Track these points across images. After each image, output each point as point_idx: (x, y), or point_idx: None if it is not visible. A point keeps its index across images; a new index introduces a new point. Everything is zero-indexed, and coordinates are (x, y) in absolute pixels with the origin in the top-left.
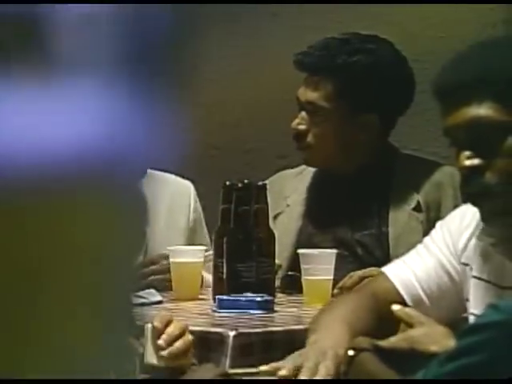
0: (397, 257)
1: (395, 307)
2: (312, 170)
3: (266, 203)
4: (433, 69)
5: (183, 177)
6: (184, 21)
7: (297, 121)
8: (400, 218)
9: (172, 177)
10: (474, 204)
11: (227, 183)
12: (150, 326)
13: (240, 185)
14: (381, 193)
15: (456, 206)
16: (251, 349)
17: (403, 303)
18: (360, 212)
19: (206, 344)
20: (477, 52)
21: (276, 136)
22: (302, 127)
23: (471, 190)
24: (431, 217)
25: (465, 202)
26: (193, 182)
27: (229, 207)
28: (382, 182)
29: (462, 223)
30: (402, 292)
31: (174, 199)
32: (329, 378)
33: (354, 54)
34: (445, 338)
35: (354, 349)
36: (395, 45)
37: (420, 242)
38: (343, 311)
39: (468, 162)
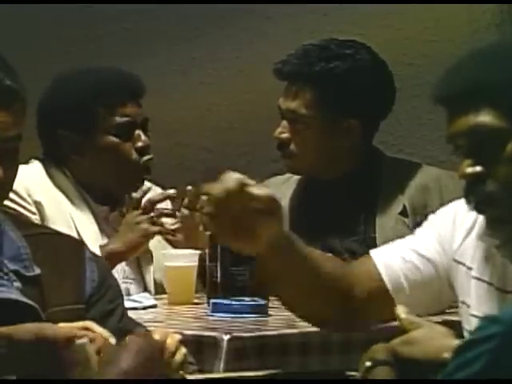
0: None
1: (400, 312)
2: (299, 177)
3: None
4: (427, 72)
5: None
6: (177, 23)
7: (279, 130)
8: (387, 223)
9: (147, 183)
10: (479, 211)
11: None
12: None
13: None
14: (367, 198)
15: None
16: (245, 353)
17: (383, 287)
18: (347, 218)
19: (200, 348)
20: (475, 59)
21: (270, 139)
22: (285, 136)
23: (474, 198)
24: (418, 220)
25: (469, 209)
26: (186, 185)
27: None
28: (368, 188)
29: (454, 222)
30: (385, 277)
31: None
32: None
33: (331, 60)
34: (445, 337)
35: (371, 360)
36: (394, 47)
37: None
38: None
39: (470, 170)
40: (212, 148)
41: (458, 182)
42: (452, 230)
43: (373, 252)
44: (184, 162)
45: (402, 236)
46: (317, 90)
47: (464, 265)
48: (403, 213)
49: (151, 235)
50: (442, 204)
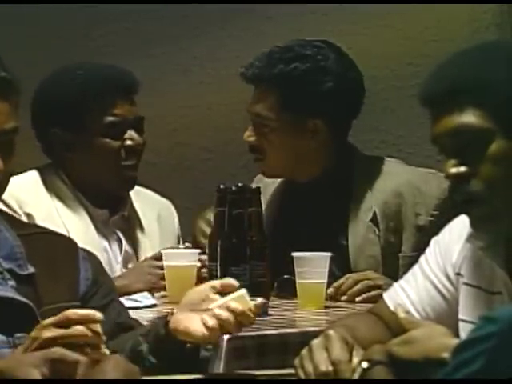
0: (357, 269)
1: (399, 312)
2: (279, 180)
3: (260, 206)
4: (427, 72)
5: (160, 193)
6: (178, 23)
7: (247, 133)
8: (358, 231)
9: (154, 195)
10: (462, 211)
11: (221, 186)
12: None
13: (234, 188)
14: (339, 204)
15: (417, 215)
16: (245, 352)
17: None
18: (320, 225)
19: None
20: (457, 60)
21: None
22: (252, 139)
23: (458, 198)
24: (390, 226)
25: (453, 208)
26: (187, 185)
27: (223, 210)
28: (340, 193)
29: (451, 237)
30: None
31: (161, 220)
32: None
33: (290, 62)
34: (444, 336)
35: (368, 361)
36: (394, 47)
37: (378, 253)
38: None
39: (454, 170)
40: (212, 148)
41: (429, 183)
42: (450, 248)
43: (385, 294)
44: (184, 162)
45: (371, 245)
46: (278, 93)
47: (459, 274)
48: (373, 220)
49: (155, 290)
50: (415, 208)
